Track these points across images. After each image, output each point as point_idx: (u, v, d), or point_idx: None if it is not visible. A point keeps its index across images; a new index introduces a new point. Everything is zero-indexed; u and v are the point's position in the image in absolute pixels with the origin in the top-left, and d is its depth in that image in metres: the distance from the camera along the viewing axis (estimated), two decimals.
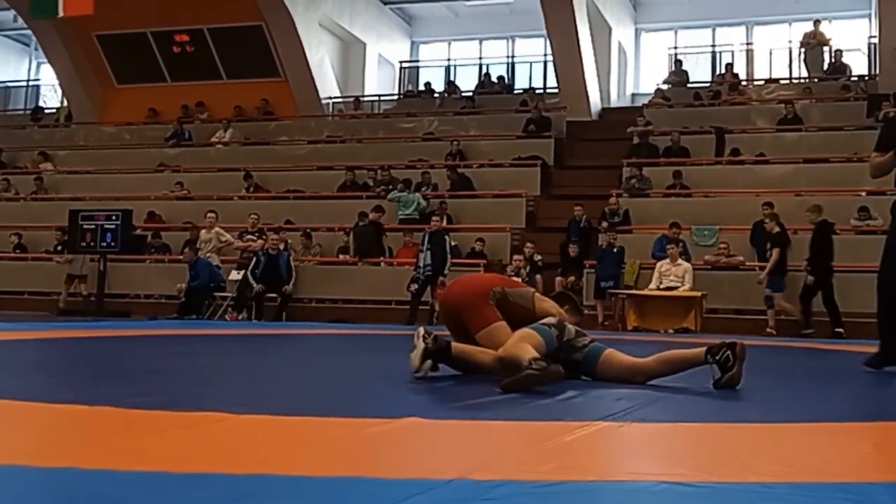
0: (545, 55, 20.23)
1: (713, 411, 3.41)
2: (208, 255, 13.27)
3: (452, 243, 12.69)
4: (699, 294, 11.67)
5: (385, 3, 21.95)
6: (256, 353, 6.44)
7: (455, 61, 22.59)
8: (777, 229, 11.81)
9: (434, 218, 13.23)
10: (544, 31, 18.04)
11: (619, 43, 20.38)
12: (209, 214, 13.83)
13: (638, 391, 3.79)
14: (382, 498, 1.85)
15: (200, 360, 5.53)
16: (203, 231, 13.78)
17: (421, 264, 12.12)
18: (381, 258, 13.82)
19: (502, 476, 2.02)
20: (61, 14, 15.74)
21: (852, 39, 19.44)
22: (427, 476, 2.03)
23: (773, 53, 20.33)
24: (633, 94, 20.89)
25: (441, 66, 22.47)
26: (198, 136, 19.33)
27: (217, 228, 13.68)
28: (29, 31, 22.04)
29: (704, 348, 4.00)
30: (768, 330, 11.40)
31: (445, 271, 11.92)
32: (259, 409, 3.03)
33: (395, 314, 12.70)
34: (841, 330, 10.84)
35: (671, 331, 11.27)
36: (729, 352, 3.92)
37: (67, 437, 2.57)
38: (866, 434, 3.00)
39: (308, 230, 14.43)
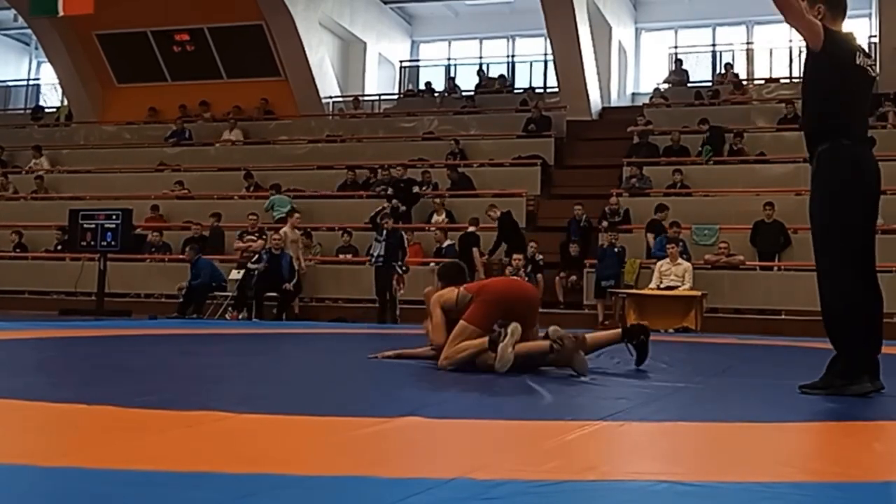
0: (545, 54, 20.20)
1: (713, 411, 3.41)
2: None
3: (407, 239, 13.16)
4: (699, 293, 11.67)
5: (385, 3, 21.91)
6: (256, 352, 6.44)
7: (455, 61, 22.57)
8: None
9: (385, 221, 12.89)
10: (544, 31, 18.02)
11: (620, 42, 20.36)
12: (296, 215, 13.51)
13: (638, 391, 3.79)
14: (382, 497, 1.85)
15: (200, 360, 5.53)
16: (286, 229, 13.13)
17: (374, 254, 12.56)
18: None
19: (502, 476, 2.03)
20: (61, 13, 15.71)
21: None
22: (427, 476, 2.03)
23: (774, 53, 20.30)
24: (633, 94, 20.87)
25: (441, 66, 22.45)
26: (202, 135, 19.32)
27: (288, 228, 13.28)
28: (29, 31, 22.01)
29: (621, 330, 4.94)
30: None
31: (402, 265, 12.41)
32: (259, 408, 3.03)
33: None
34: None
35: (671, 330, 11.26)
36: (643, 336, 4.77)
37: (67, 437, 2.57)
38: (867, 434, 3.00)
39: (308, 230, 14.41)
